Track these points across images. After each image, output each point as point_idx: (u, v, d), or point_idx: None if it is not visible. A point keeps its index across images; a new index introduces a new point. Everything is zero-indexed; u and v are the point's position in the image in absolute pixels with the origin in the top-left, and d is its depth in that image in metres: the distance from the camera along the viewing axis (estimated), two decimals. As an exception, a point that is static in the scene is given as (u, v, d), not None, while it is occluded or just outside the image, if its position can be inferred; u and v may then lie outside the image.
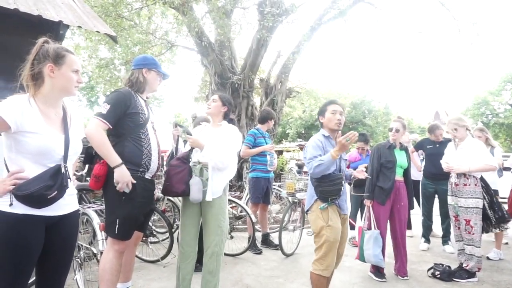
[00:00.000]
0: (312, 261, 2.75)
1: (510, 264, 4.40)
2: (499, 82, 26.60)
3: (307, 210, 2.82)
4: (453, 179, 3.94)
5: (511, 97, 26.13)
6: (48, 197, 1.55)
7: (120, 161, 2.29)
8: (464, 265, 3.79)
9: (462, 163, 3.81)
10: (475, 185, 3.79)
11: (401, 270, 3.83)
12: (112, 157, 2.28)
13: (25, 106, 1.58)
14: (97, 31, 4.60)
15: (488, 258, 4.49)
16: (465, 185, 3.80)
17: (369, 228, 3.76)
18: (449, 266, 3.86)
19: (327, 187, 2.65)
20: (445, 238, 5.05)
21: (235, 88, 8.79)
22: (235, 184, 8.04)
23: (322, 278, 2.68)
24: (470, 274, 3.73)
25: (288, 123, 25.19)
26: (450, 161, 3.94)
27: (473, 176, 3.80)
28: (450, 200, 3.99)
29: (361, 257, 3.78)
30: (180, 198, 4.14)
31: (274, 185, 5.70)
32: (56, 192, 1.58)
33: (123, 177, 2.28)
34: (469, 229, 3.76)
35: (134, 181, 2.34)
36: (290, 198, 4.92)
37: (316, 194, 2.72)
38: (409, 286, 3.59)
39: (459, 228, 3.92)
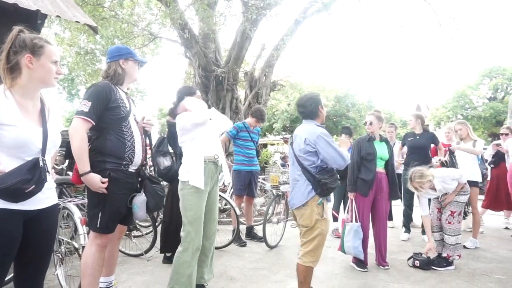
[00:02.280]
0: (301, 254, 2.75)
1: (486, 252, 4.56)
2: (477, 77, 27.38)
3: (301, 205, 2.73)
4: None
5: (488, 91, 26.92)
6: (26, 191, 1.52)
7: (88, 169, 2.25)
8: (443, 254, 3.92)
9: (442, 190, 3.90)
10: (465, 183, 3.95)
11: (381, 260, 3.93)
12: (83, 164, 2.25)
13: (0, 98, 1.53)
14: (76, 21, 4.47)
15: (464, 246, 4.64)
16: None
17: (352, 221, 3.83)
18: (428, 256, 3.97)
19: (331, 183, 2.67)
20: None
21: (219, 81, 8.73)
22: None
23: (311, 269, 2.75)
24: (448, 263, 3.87)
25: (274, 116, 25.24)
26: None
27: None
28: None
29: (342, 249, 3.87)
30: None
31: (259, 178, 5.73)
32: (34, 186, 1.54)
33: (91, 185, 2.27)
34: (450, 219, 3.89)
35: (104, 187, 2.29)
36: (274, 191, 4.95)
37: (315, 190, 2.68)
38: (389, 275, 3.69)
39: (439, 219, 4.04)
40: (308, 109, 2.84)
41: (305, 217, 2.72)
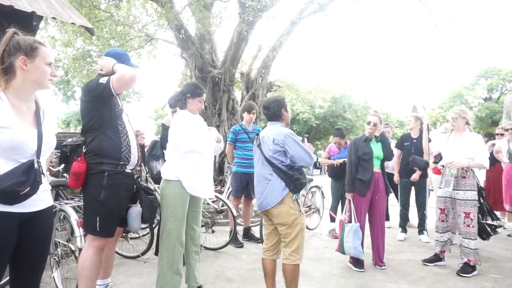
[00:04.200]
0: (288, 254, 2.71)
1: (481, 251, 4.50)
2: (473, 77, 27.59)
3: (278, 203, 2.71)
4: (453, 171, 3.79)
5: (484, 91, 27.11)
6: (21, 193, 1.51)
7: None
8: (464, 260, 3.75)
9: (460, 157, 3.76)
10: (473, 177, 3.80)
11: (378, 260, 3.94)
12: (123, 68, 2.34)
13: (-5, 100, 1.53)
14: (72, 23, 4.46)
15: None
16: (464, 177, 3.77)
17: (350, 221, 3.84)
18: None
19: (303, 179, 2.73)
20: (421, 228, 5.20)
21: (215, 82, 8.71)
22: (217, 179, 8.02)
23: (298, 266, 2.75)
24: (474, 268, 3.71)
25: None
26: (448, 154, 3.90)
27: (471, 169, 3.80)
28: (441, 192, 3.94)
29: (341, 249, 3.86)
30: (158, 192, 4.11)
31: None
32: (29, 188, 1.53)
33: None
34: (468, 222, 3.71)
35: None
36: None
37: (288, 187, 2.71)
38: (386, 275, 3.69)
39: (442, 220, 3.93)
40: (271, 111, 2.90)
41: (283, 215, 2.71)
